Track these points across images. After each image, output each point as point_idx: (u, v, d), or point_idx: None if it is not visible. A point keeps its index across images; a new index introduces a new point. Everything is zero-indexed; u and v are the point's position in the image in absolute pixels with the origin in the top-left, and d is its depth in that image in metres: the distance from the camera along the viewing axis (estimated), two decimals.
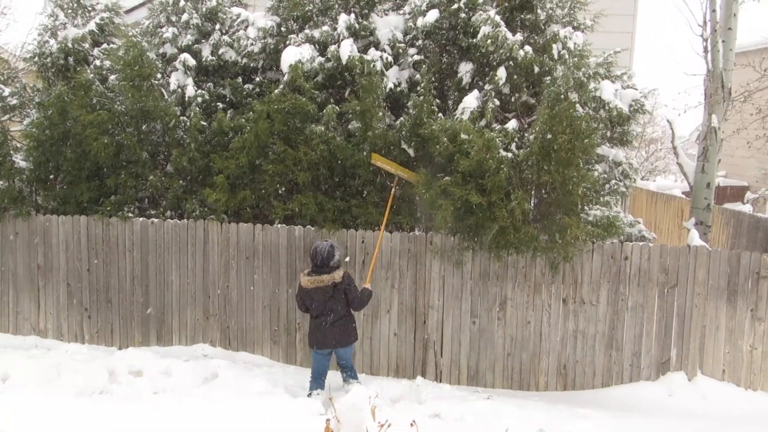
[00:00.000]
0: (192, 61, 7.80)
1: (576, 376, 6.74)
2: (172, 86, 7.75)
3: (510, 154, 6.50)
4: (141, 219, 7.51)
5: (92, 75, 7.77)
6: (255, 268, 7.26)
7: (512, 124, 6.82)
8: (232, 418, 5.54)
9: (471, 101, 6.91)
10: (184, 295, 7.47)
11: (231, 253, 7.30)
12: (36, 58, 8.18)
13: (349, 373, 6.35)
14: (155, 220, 7.49)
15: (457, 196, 6.33)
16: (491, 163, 6.25)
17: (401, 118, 7.15)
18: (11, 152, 7.82)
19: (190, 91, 7.69)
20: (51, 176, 7.91)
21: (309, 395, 6.18)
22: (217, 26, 8.13)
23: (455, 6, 7.25)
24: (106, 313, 7.65)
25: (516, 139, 6.74)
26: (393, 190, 6.95)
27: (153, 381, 6.47)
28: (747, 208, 10.73)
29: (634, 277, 6.59)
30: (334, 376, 6.47)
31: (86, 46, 8.12)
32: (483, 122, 6.80)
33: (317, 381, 6.26)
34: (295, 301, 6.41)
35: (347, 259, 7.02)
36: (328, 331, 6.09)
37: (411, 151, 7.08)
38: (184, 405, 5.85)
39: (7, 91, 8.14)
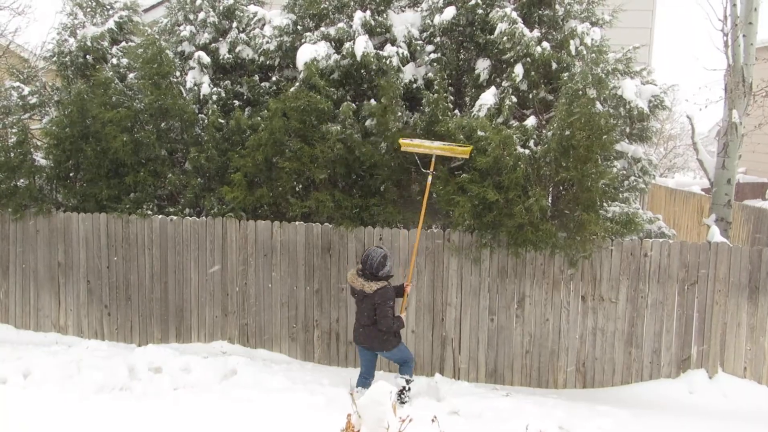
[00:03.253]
0: (207, 59, 7.88)
1: (595, 373, 6.73)
2: (189, 84, 7.86)
3: (527, 151, 6.50)
4: (160, 216, 7.59)
5: (111, 73, 7.87)
6: (273, 265, 7.30)
7: (531, 121, 6.84)
8: (251, 414, 5.59)
9: (488, 98, 6.93)
10: (203, 293, 7.53)
11: (249, 250, 7.35)
12: (55, 57, 8.33)
13: (401, 368, 6.19)
14: (174, 217, 7.57)
15: (474, 193, 6.34)
16: (508, 160, 6.26)
17: (415, 116, 7.16)
18: (31, 150, 7.94)
19: (206, 88, 7.79)
20: (71, 174, 8.04)
21: (355, 392, 6.03)
22: (234, 24, 8.22)
23: (472, 2, 7.27)
24: (126, 310, 7.74)
25: (534, 136, 6.73)
26: (429, 178, 6.48)
27: (172, 377, 6.52)
28: None
29: (654, 274, 6.55)
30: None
31: (105, 44, 8.23)
32: (500, 119, 6.82)
33: (361, 379, 6.14)
34: None
35: None
36: (361, 330, 6.05)
37: None
38: (204, 401, 5.91)
39: (27, 89, 8.27)
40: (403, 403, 5.97)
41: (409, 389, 6.09)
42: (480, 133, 6.47)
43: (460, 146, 6.45)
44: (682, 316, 6.56)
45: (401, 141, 6.59)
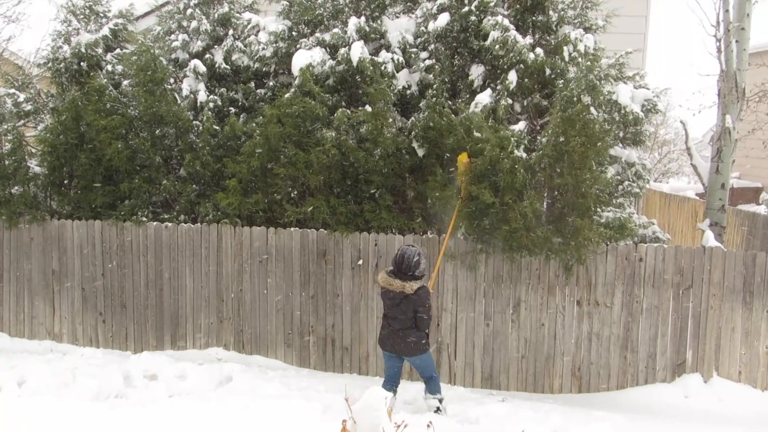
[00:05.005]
0: (202, 68, 7.90)
1: (591, 378, 6.75)
2: (185, 92, 7.87)
3: (524, 155, 6.52)
4: (155, 223, 7.60)
5: (105, 80, 7.89)
6: (268, 271, 7.30)
7: (521, 126, 6.85)
8: (247, 421, 5.51)
9: (484, 98, 6.97)
10: (198, 299, 7.52)
11: (244, 256, 7.36)
12: (50, 64, 8.30)
13: (427, 384, 5.98)
14: (169, 224, 7.56)
15: (473, 194, 6.34)
16: (505, 162, 6.27)
17: (412, 118, 7.19)
18: (26, 158, 7.93)
19: (202, 96, 7.80)
20: (65, 181, 8.03)
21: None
22: (230, 32, 8.23)
23: (466, 9, 7.31)
24: (121, 317, 7.73)
25: (526, 142, 6.75)
26: (458, 205, 6.53)
27: (168, 385, 6.52)
28: (762, 209, 10.68)
29: (649, 279, 6.58)
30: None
31: (99, 51, 8.23)
32: (494, 119, 6.84)
33: (386, 384, 6.01)
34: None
35: (360, 262, 7.07)
36: (389, 334, 5.86)
37: (421, 152, 7.11)
38: (199, 408, 5.84)
39: (21, 96, 8.26)
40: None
41: (443, 409, 5.94)
42: (477, 134, 6.48)
43: (459, 161, 6.44)
44: (677, 321, 6.58)
45: (462, 157, 6.49)
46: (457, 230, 6.77)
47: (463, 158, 6.43)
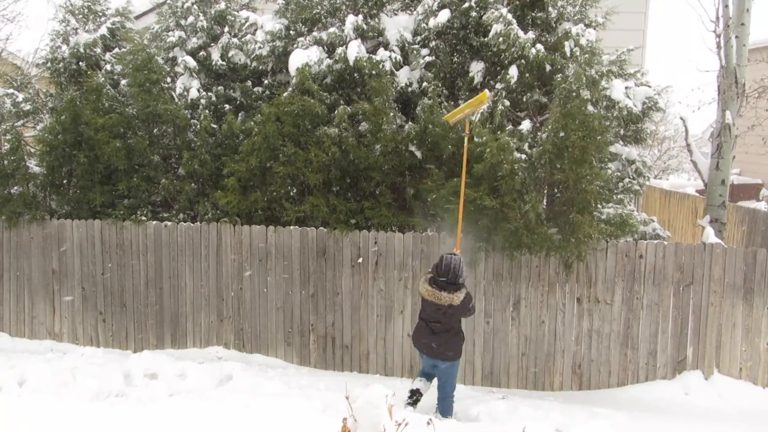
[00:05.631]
0: (193, 63, 7.88)
1: (591, 375, 6.74)
2: (179, 90, 7.85)
3: (524, 156, 6.51)
4: (154, 222, 7.58)
5: (104, 79, 7.87)
6: (268, 270, 7.30)
7: (526, 125, 6.85)
8: (247, 420, 5.51)
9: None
10: (198, 298, 7.52)
11: (244, 255, 7.35)
12: (48, 64, 8.30)
13: (440, 404, 5.84)
14: (168, 223, 7.55)
15: (470, 198, 6.34)
16: (506, 166, 6.26)
17: (409, 124, 7.18)
18: (25, 157, 7.91)
19: (194, 93, 7.78)
20: (64, 181, 8.02)
21: (414, 380, 5.97)
22: (226, 29, 8.22)
23: (466, 5, 7.29)
24: (121, 317, 7.73)
25: (529, 140, 6.75)
26: (465, 143, 6.27)
27: (168, 383, 6.53)
28: (762, 206, 10.67)
29: (649, 276, 6.58)
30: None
31: (98, 50, 8.22)
32: (492, 125, 6.82)
33: (424, 374, 5.94)
34: None
35: (360, 260, 7.07)
36: (429, 337, 5.72)
37: (419, 154, 7.10)
38: (200, 407, 5.86)
39: (20, 96, 8.25)
40: None
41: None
42: (477, 139, 6.47)
43: (475, 98, 6.28)
44: (677, 318, 6.57)
45: (445, 118, 6.55)
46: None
47: (482, 97, 6.26)
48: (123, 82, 7.95)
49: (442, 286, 5.57)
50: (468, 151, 6.30)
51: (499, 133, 6.56)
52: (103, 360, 7.16)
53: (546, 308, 6.75)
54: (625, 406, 6.24)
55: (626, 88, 7.25)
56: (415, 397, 5.80)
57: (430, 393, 6.00)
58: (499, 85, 7.15)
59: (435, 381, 5.97)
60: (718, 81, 7.53)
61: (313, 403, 5.93)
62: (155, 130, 7.78)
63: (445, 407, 5.86)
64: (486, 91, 6.29)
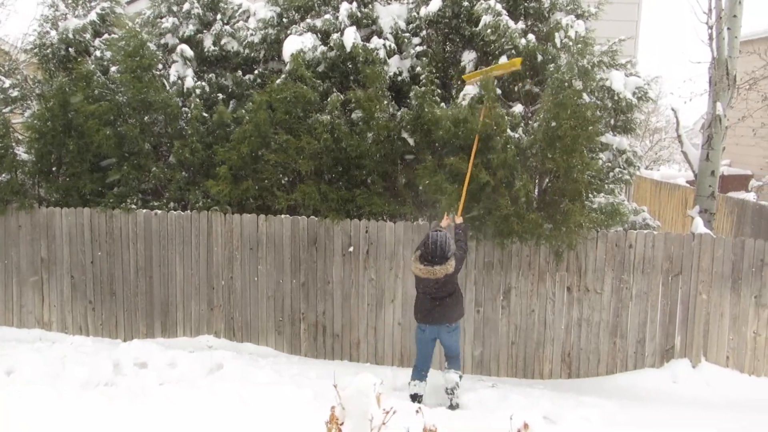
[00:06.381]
0: (190, 52, 7.83)
1: (581, 363, 6.78)
2: (172, 77, 7.80)
3: (517, 135, 6.52)
4: (144, 211, 7.55)
5: (93, 66, 7.79)
6: (259, 258, 7.28)
7: (518, 108, 6.87)
8: (238, 408, 5.58)
9: (471, 89, 6.93)
10: (189, 287, 7.50)
11: (235, 244, 7.33)
12: (37, 50, 8.22)
13: (450, 361, 6.02)
14: (159, 211, 7.52)
15: (464, 172, 6.29)
16: (498, 140, 6.26)
17: (402, 110, 7.17)
18: (13, 144, 7.83)
19: (189, 82, 7.73)
20: (53, 168, 7.94)
21: (408, 384, 6.07)
22: (219, 16, 8.17)
23: None
24: (111, 305, 7.69)
25: (522, 126, 6.75)
26: (481, 118, 6.37)
27: (158, 372, 6.50)
28: (751, 197, 10.75)
29: (639, 265, 6.61)
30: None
31: (87, 36, 8.13)
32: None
33: (417, 372, 6.02)
34: None
35: (351, 248, 7.05)
36: (432, 306, 5.86)
37: (411, 141, 7.08)
38: (190, 395, 5.87)
39: (8, 82, 8.16)
40: (453, 408, 5.89)
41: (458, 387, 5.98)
42: (470, 125, 6.45)
43: (508, 62, 6.48)
44: (666, 307, 6.61)
45: (463, 77, 6.70)
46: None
47: (516, 62, 6.40)
48: (113, 68, 7.86)
49: (434, 263, 5.75)
50: (465, 129, 6.32)
51: (496, 104, 6.56)
52: (92, 349, 7.12)
53: (536, 297, 6.78)
54: (613, 394, 6.29)
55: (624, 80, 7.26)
56: (416, 401, 5.84)
57: (402, 376, 6.10)
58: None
59: (430, 376, 6.06)
60: (710, 72, 7.55)
61: (304, 392, 5.95)
62: (146, 118, 7.71)
63: (456, 363, 6.05)
64: (521, 58, 6.42)
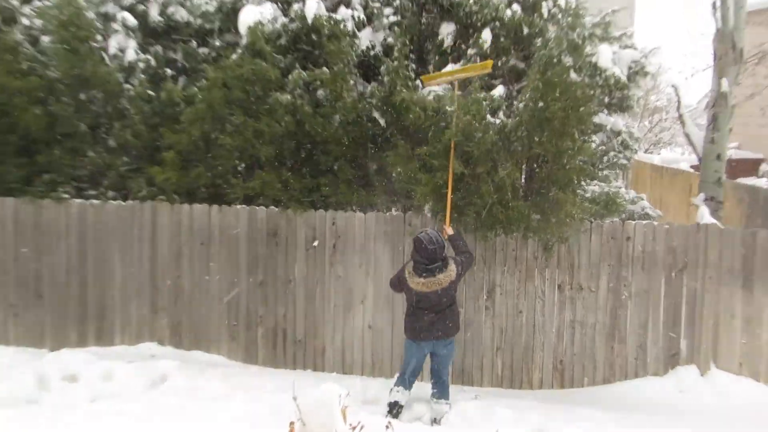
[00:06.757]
0: (132, 21, 7.51)
1: (574, 371, 6.54)
2: (112, 50, 7.47)
3: (498, 121, 6.29)
4: (78, 201, 7.19)
5: (21, 36, 7.40)
6: (211, 255, 7.00)
7: (499, 90, 6.68)
8: (181, 426, 5.30)
9: (450, 68, 6.73)
10: (128, 288, 7.17)
11: (183, 238, 7.05)
12: None
13: (439, 387, 5.78)
14: (95, 201, 7.19)
15: (438, 168, 6.07)
16: (477, 128, 6.03)
17: (372, 85, 6.92)
18: None
19: (131, 54, 7.40)
20: None
21: (390, 390, 5.81)
22: None
23: None
24: (36, 310, 7.21)
25: (504, 107, 6.58)
26: (456, 111, 6.19)
27: (90, 387, 6.13)
28: (763, 183, 10.53)
29: (638, 260, 6.40)
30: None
31: (15, 2, 7.72)
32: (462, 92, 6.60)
33: (403, 380, 5.76)
34: (391, 280, 5.85)
35: (316, 243, 6.79)
36: (432, 321, 5.59)
37: (383, 121, 6.84)
38: (126, 412, 5.54)
39: None
40: (434, 423, 5.68)
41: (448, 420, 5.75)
42: (449, 108, 6.23)
43: (478, 64, 6.30)
44: (669, 307, 6.39)
45: (422, 78, 6.52)
46: (422, 205, 6.51)
47: (487, 64, 6.17)
48: (44, 39, 7.46)
49: (435, 270, 5.45)
50: (435, 117, 6.15)
51: (474, 96, 6.34)
52: (12, 361, 6.60)
53: (524, 297, 6.54)
54: (611, 406, 6.08)
55: (613, 53, 7.02)
56: (395, 411, 5.67)
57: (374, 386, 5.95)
58: (471, 50, 6.96)
59: (414, 386, 5.89)
60: (714, 46, 7.36)
61: (259, 407, 5.66)
62: (82, 96, 7.34)
63: (443, 390, 5.79)
64: (492, 61, 6.21)
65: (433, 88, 6.65)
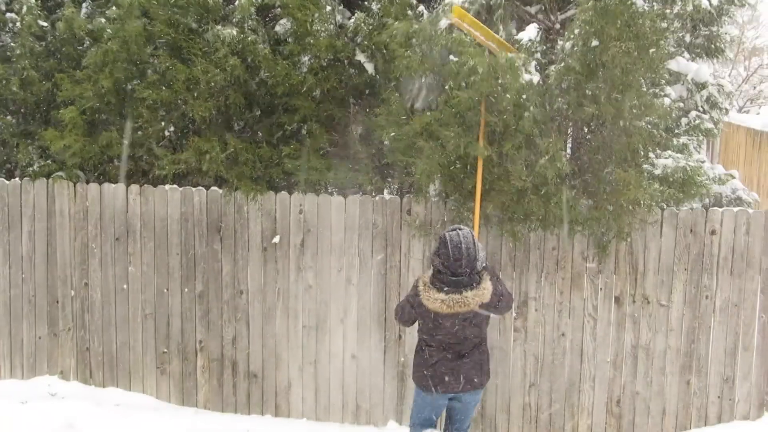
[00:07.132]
0: None
1: (636, 415, 6.56)
2: None
3: (535, 78, 6.13)
4: None
5: None
6: (130, 254, 7.04)
7: (530, 33, 6.47)
8: None
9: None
10: (17, 300, 7.20)
11: (91, 231, 7.07)
12: None
13: None
14: None
15: (448, 140, 5.94)
16: (508, 96, 5.88)
17: (356, 15, 6.93)
18: None
19: None
20: None
21: None
22: None
23: None
24: None
25: (539, 54, 6.46)
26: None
27: None
28: None
29: (725, 262, 6.38)
30: None
31: None
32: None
33: (417, 430, 5.65)
34: (396, 309, 5.61)
35: (276, 239, 6.77)
36: (454, 366, 5.41)
37: (370, 67, 6.90)
38: None
39: None
40: None
41: None
42: (471, 62, 6.03)
43: (509, 46, 6.33)
44: (766, 326, 6.37)
45: (454, 8, 6.06)
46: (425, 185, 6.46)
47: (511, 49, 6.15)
48: None
49: (461, 285, 5.15)
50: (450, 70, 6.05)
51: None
52: None
53: (567, 314, 6.56)
54: None
55: None
56: None
57: None
58: None
59: None
60: None
61: None
62: None
63: None
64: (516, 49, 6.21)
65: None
